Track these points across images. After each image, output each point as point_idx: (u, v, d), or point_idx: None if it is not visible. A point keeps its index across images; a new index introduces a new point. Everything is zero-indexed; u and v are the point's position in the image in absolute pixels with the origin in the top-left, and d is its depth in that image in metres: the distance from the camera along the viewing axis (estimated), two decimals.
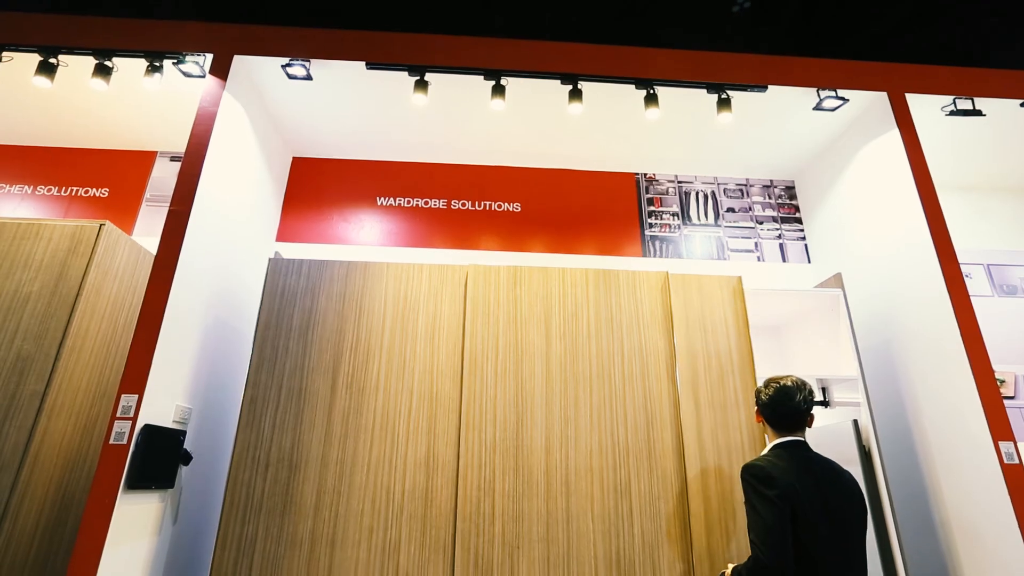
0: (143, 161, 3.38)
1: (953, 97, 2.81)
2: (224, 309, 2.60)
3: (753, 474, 1.62)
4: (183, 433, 2.22)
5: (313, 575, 2.04)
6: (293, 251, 3.21)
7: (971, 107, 2.80)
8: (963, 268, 3.12)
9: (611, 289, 2.50)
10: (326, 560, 2.05)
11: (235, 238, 2.71)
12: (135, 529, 1.99)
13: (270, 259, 2.46)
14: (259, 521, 2.09)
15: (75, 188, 3.31)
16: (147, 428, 2.00)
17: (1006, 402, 2.59)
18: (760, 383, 1.85)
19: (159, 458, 2.06)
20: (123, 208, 3.26)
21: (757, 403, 1.80)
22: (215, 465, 2.55)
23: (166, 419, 2.14)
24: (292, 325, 2.36)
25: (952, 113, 2.83)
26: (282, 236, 3.28)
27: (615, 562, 2.10)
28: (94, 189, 3.31)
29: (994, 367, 2.34)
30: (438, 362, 2.34)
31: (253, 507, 2.11)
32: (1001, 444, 2.14)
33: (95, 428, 2.29)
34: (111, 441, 1.94)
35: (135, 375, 2.02)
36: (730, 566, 1.71)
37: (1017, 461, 2.11)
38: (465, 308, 2.42)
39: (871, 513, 2.20)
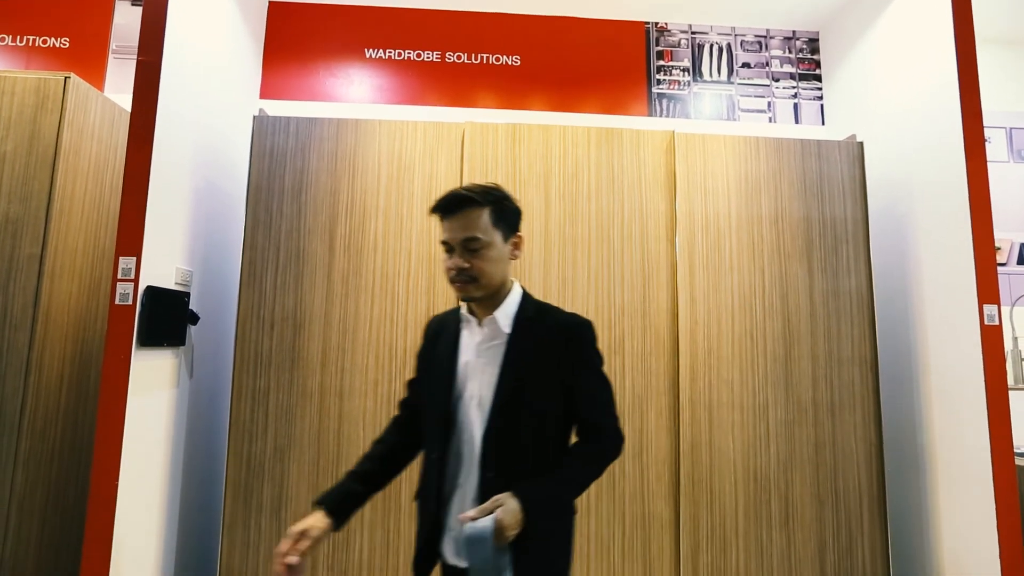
0: (102, 5, 3.05)
1: None
2: (213, 170, 2.51)
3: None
4: (187, 295, 2.26)
5: (325, 422, 2.20)
6: (279, 108, 3.02)
7: None
8: (985, 131, 2.97)
9: (613, 148, 2.39)
10: (336, 409, 2.21)
11: (215, 93, 2.53)
12: (154, 381, 2.11)
13: (255, 117, 2.32)
14: (270, 375, 2.21)
15: (32, 37, 3.02)
16: (150, 289, 2.03)
17: (998, 268, 2.61)
18: None
19: (166, 318, 2.12)
20: (88, 61, 3.00)
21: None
22: (221, 325, 2.64)
23: (168, 281, 2.16)
24: (284, 186, 2.30)
25: None
26: (266, 93, 3.06)
27: None
28: (53, 39, 3.02)
29: (995, 233, 2.32)
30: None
31: (263, 363, 2.21)
32: (985, 307, 2.20)
33: (100, 289, 2.33)
34: (116, 302, 1.98)
35: (129, 237, 2.01)
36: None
37: (997, 323, 2.19)
38: (462, 168, 2.34)
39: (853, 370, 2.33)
